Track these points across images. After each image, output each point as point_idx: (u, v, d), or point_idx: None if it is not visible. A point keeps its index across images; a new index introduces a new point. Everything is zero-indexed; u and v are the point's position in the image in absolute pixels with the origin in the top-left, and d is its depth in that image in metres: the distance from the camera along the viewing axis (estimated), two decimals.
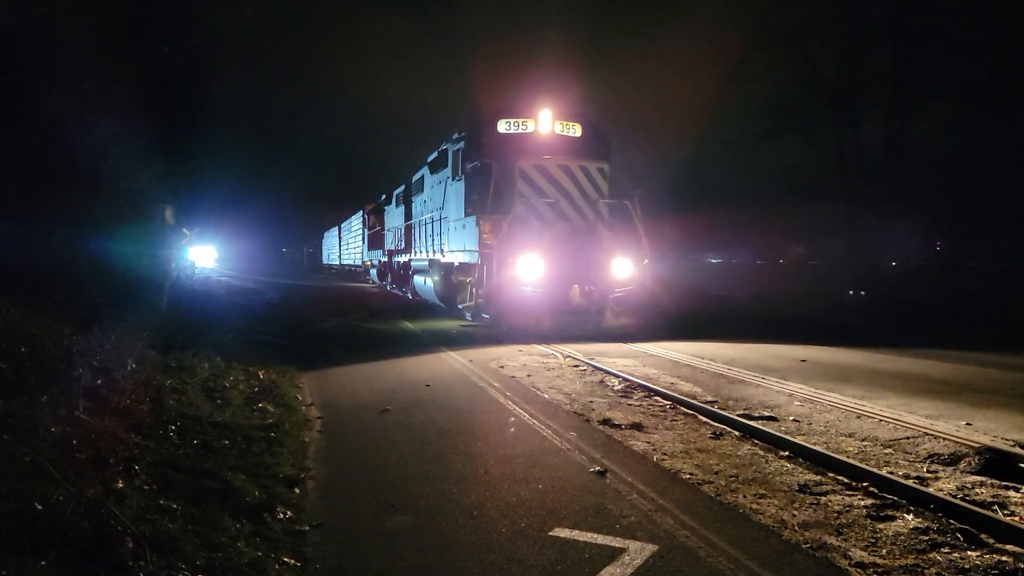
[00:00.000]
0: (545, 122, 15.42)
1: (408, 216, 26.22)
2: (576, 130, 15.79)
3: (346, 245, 54.91)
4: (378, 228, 34.93)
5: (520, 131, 15.43)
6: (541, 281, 13.54)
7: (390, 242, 30.25)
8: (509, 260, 13.57)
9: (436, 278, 19.17)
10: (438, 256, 18.77)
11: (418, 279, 21.84)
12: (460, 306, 16.77)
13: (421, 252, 21.94)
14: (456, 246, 16.66)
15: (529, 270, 13.54)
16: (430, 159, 20.79)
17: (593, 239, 14.24)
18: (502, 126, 15.47)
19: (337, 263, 60.71)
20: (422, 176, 23.04)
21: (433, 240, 19.81)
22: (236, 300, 25.91)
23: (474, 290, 15.85)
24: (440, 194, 18.78)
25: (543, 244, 13.80)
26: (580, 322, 13.77)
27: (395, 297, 28.25)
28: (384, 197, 33.21)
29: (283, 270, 70.16)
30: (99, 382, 6.36)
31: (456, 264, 16.83)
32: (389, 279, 31.21)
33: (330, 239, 67.04)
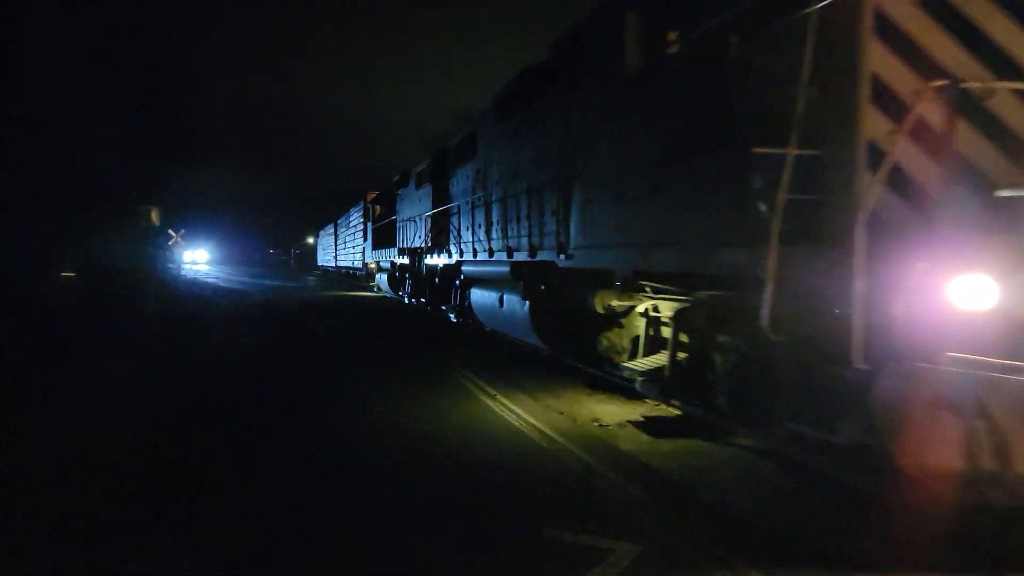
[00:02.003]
0: None
1: (442, 198, 16.97)
2: None
3: (343, 244, 45.07)
4: (389, 219, 25.37)
5: None
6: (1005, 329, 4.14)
7: (409, 237, 20.77)
8: (929, 276, 4.14)
9: (533, 299, 9.74)
10: (545, 256, 9.34)
11: (483, 296, 12.34)
12: (632, 369, 7.24)
13: (481, 250, 12.51)
14: (616, 235, 7.22)
15: (974, 303, 4.13)
16: (503, 89, 11.46)
17: None
18: None
19: (333, 265, 50.97)
20: (472, 134, 13.76)
21: (520, 228, 10.41)
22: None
23: (721, 339, 6.37)
24: (554, 136, 9.37)
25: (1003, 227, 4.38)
26: None
27: (423, 317, 18.72)
28: (397, 178, 23.70)
29: (270, 272, 61.38)
30: None
31: (612, 271, 7.45)
32: (408, 287, 21.68)
33: (325, 238, 57.39)
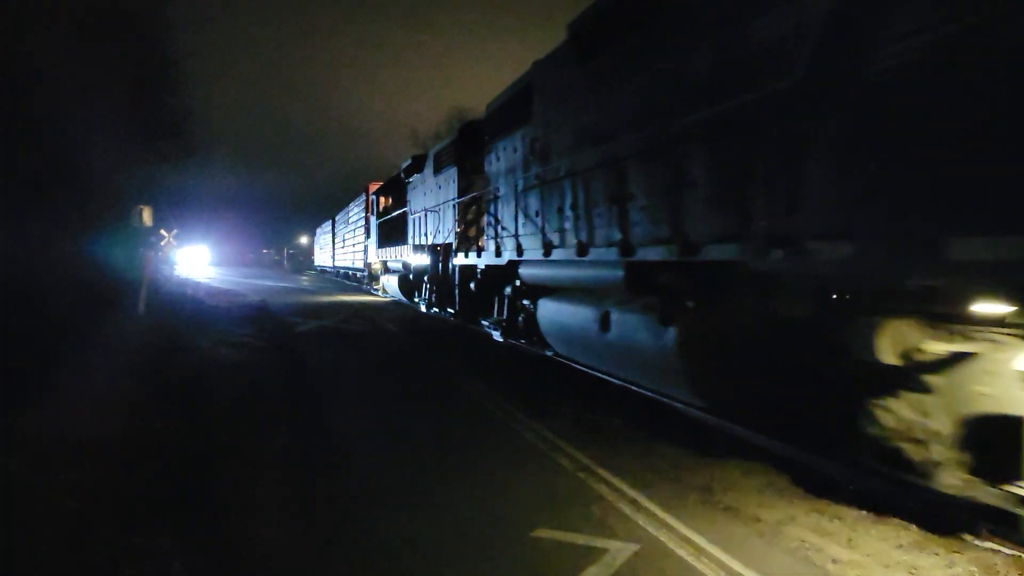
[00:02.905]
0: None
1: (473, 182, 13.37)
2: None
3: (342, 242, 40.85)
4: (398, 212, 21.35)
5: None
6: None
7: (428, 232, 16.81)
8: None
9: (686, 326, 5.73)
10: (719, 252, 5.31)
11: (564, 312, 8.28)
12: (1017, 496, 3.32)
13: (561, 245, 8.55)
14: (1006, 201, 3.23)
15: None
16: (585, 15, 7.53)
17: None
18: None
19: (331, 265, 46.77)
20: (524, 91, 10.13)
21: (636, 210, 6.44)
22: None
23: None
24: (720, 46, 5.37)
25: None
26: None
27: (458, 335, 14.68)
28: (408, 164, 19.74)
29: (263, 273, 57.47)
30: None
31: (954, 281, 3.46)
32: (427, 293, 17.63)
33: (323, 236, 53.23)
